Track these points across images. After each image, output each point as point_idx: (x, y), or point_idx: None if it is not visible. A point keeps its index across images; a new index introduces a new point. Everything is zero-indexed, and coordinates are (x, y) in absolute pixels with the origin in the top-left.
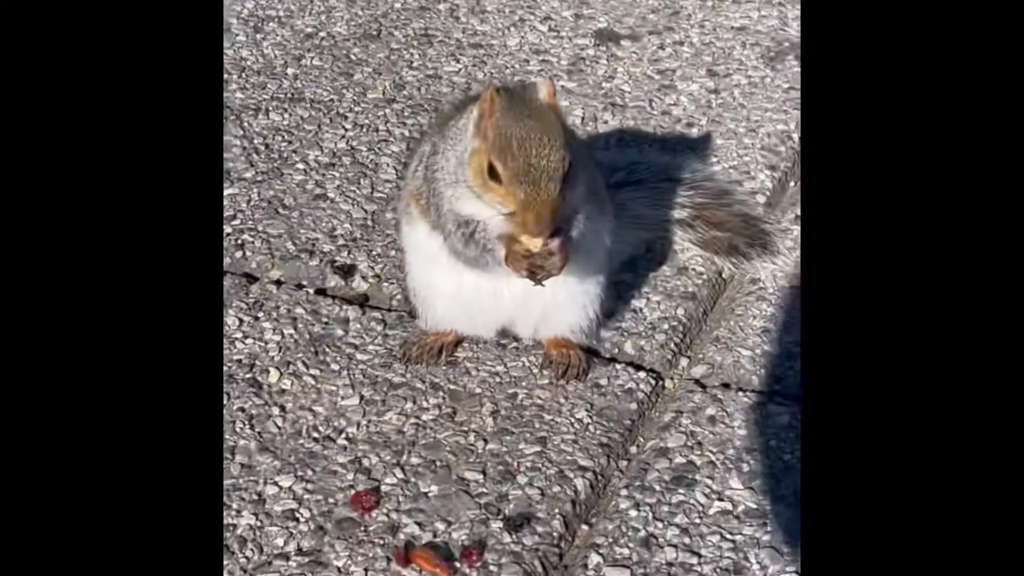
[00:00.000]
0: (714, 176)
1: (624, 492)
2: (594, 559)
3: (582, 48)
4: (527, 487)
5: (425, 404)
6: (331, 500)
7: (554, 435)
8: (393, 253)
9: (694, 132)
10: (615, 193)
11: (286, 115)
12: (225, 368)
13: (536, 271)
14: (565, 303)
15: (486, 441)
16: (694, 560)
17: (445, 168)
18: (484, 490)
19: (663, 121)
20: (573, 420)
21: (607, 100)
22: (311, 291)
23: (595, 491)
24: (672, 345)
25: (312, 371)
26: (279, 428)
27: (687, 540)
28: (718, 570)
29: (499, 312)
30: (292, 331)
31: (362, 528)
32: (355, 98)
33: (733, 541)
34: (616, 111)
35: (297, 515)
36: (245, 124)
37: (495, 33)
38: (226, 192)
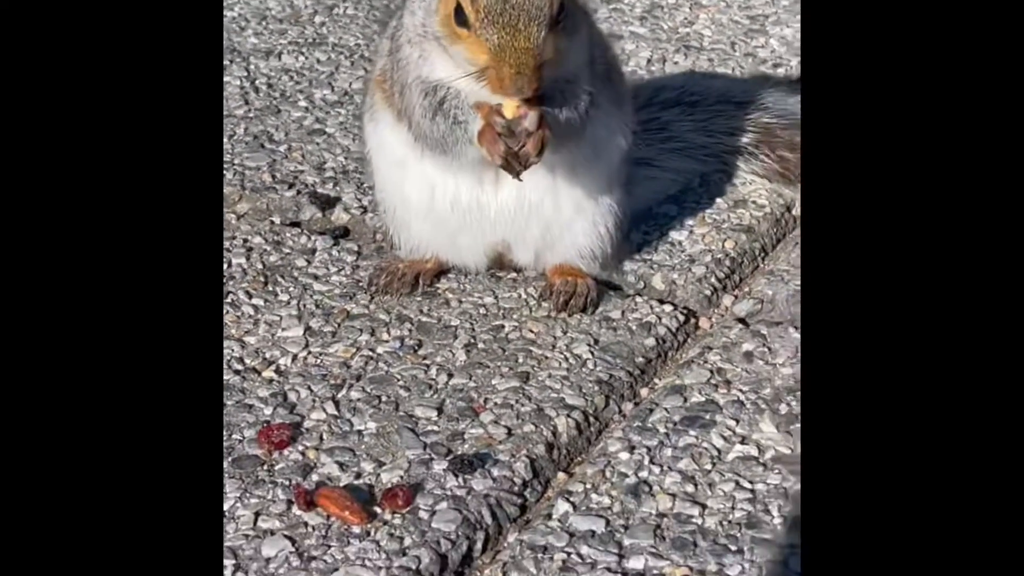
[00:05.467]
0: (787, 98)
1: (618, 434)
2: (562, 508)
3: None
4: (491, 425)
5: (384, 336)
6: (235, 436)
7: (540, 370)
8: None
9: (780, 72)
10: (657, 113)
11: (300, 58)
12: None
13: (512, 158)
14: (571, 218)
15: (451, 375)
16: (695, 511)
17: (410, 26)
18: (435, 428)
19: (744, 62)
20: (569, 355)
21: (681, 43)
22: (277, 221)
23: (584, 435)
24: (713, 280)
25: (255, 300)
26: None
27: (690, 488)
28: (725, 523)
29: (486, 231)
30: (243, 260)
31: (265, 467)
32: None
33: (752, 491)
34: (691, 52)
35: None
36: (251, 66)
37: None
38: None
